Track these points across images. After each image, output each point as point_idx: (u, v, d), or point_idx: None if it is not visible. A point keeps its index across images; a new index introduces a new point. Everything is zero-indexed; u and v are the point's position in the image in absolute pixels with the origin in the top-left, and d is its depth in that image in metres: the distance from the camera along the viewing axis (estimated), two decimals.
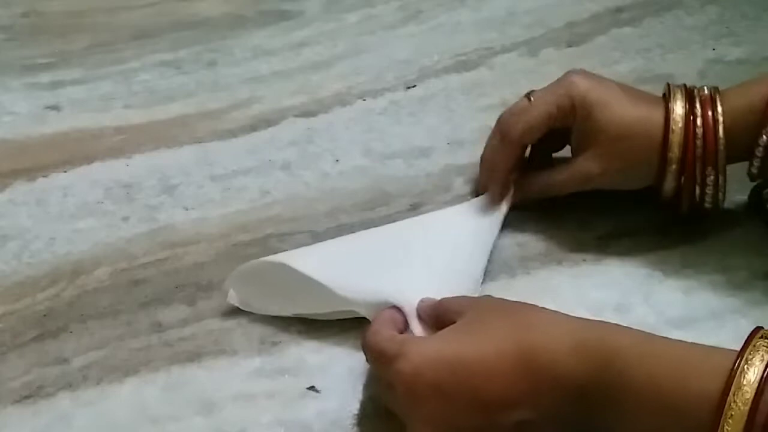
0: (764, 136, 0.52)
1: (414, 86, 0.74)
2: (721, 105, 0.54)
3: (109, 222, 0.62)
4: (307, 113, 0.71)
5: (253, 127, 0.70)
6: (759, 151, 0.53)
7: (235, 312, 0.55)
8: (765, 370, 0.36)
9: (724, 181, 0.55)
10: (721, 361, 0.37)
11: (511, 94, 0.72)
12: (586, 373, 0.41)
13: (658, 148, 0.54)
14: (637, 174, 0.56)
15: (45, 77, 0.75)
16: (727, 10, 0.80)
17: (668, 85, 0.57)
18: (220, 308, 0.55)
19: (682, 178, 0.55)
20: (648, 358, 0.40)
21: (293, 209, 0.62)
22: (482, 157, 0.61)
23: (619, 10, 0.82)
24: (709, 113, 0.53)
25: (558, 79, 0.58)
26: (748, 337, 0.38)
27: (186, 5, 0.84)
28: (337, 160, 0.66)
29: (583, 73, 0.58)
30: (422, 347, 0.45)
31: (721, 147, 0.53)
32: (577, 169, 0.57)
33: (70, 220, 0.62)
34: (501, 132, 0.58)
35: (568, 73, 0.58)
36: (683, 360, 0.39)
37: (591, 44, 0.78)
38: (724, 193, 0.55)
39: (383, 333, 0.47)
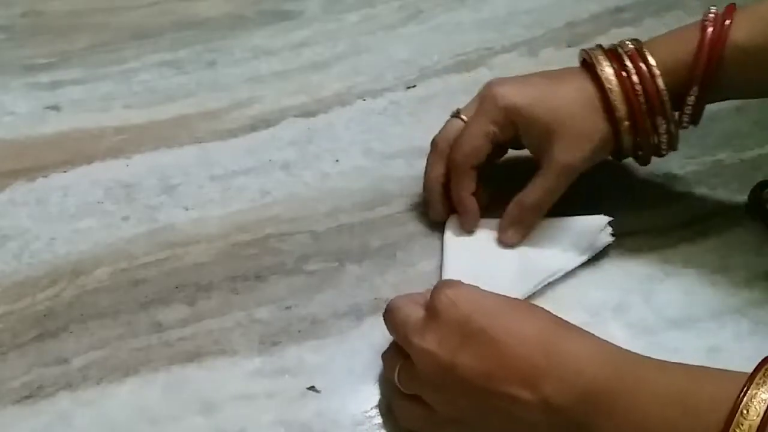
0: (692, 95, 0.53)
1: (414, 86, 0.74)
2: (652, 57, 0.54)
3: (109, 222, 0.62)
4: (307, 113, 0.71)
5: (253, 127, 0.70)
6: (687, 110, 0.54)
7: (235, 312, 0.55)
8: None
9: (676, 127, 0.55)
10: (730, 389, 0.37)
11: None
12: (600, 372, 0.41)
13: (603, 113, 0.55)
14: (600, 144, 0.56)
15: (45, 77, 0.75)
16: None
17: (584, 51, 0.57)
18: (220, 308, 0.55)
19: (637, 135, 0.55)
20: (667, 368, 0.41)
21: (293, 209, 0.62)
22: (431, 189, 0.59)
23: (619, 10, 0.81)
24: (642, 67, 0.54)
25: (481, 95, 0.57)
26: (757, 366, 0.38)
27: (186, 5, 0.84)
28: (337, 160, 0.66)
29: (502, 81, 0.57)
30: (473, 288, 0.47)
31: (665, 97, 0.54)
32: (560, 165, 0.55)
33: (70, 220, 0.62)
34: (450, 162, 0.58)
35: (488, 87, 0.57)
36: (701, 374, 0.40)
37: (591, 44, 0.77)
38: (677, 138, 0.56)
39: None
